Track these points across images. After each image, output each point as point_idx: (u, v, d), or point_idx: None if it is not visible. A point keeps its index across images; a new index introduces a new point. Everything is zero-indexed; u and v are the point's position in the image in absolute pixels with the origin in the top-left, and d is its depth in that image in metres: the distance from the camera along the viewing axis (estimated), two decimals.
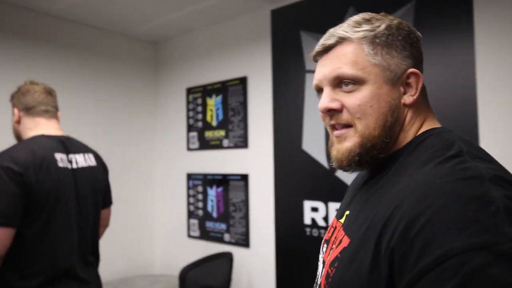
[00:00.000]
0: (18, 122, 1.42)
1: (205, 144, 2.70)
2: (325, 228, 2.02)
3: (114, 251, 2.72)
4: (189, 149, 2.81)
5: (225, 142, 2.56)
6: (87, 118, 2.64)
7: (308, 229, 2.10)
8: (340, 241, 0.67)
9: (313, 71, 2.15)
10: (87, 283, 1.39)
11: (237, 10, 2.44)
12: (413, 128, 0.68)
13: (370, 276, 0.54)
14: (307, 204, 2.10)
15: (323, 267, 0.73)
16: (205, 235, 2.64)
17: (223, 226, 2.54)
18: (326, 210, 2.04)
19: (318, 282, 0.73)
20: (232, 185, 2.50)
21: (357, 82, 0.65)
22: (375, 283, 0.53)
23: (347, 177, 1.93)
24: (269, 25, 2.35)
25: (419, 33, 0.73)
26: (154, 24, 2.69)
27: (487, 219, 0.47)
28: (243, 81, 2.48)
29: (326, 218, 2.03)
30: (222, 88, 2.61)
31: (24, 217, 1.21)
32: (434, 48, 1.71)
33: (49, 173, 1.28)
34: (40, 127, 1.40)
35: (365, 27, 0.67)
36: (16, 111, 1.42)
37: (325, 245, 0.77)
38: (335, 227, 0.77)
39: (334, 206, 2.00)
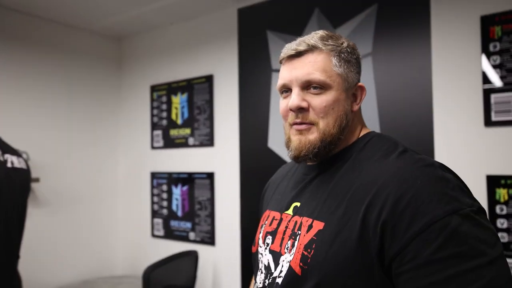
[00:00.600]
0: None
1: (170, 143, 2.66)
2: None
3: (74, 253, 2.62)
4: (153, 147, 2.76)
5: (191, 141, 2.54)
6: (46, 116, 2.53)
7: None
8: (310, 226, 0.74)
9: (279, 71, 2.19)
10: None
11: (204, 8, 2.43)
12: (357, 130, 0.83)
13: (358, 247, 0.65)
14: None
15: (278, 256, 0.79)
16: (170, 234, 2.61)
17: (188, 225, 2.51)
18: None
19: (278, 269, 0.77)
20: (198, 183, 2.49)
21: (323, 87, 0.76)
22: (364, 252, 0.65)
23: None
24: (236, 24, 2.36)
25: None
26: (118, 19, 2.62)
27: (451, 193, 0.63)
28: (209, 79, 2.47)
29: None
30: (187, 86, 2.59)
31: None
32: (394, 51, 1.79)
33: None
34: None
35: (331, 42, 0.79)
36: None
37: (270, 236, 0.84)
38: (281, 218, 0.84)
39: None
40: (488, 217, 1.56)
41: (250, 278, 2.19)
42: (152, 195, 2.74)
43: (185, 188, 2.56)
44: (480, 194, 1.58)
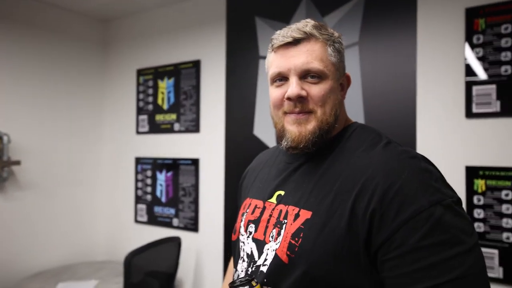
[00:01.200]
0: None
1: (155, 128, 2.64)
2: None
3: (56, 237, 2.60)
4: (138, 132, 2.73)
5: (176, 126, 2.52)
6: (28, 97, 2.47)
7: None
8: (297, 215, 0.75)
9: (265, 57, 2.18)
10: None
11: None
12: (343, 120, 0.84)
13: (346, 235, 0.67)
14: None
15: (262, 244, 0.78)
16: (153, 220, 2.60)
17: (172, 211, 2.51)
18: None
19: (262, 258, 0.77)
20: (182, 169, 2.48)
21: (321, 76, 0.77)
22: (352, 240, 0.67)
23: None
24: (224, 9, 2.33)
25: None
26: (104, 1, 2.56)
27: (435, 184, 0.66)
28: (196, 65, 2.45)
29: None
30: (174, 71, 2.56)
31: None
32: (381, 41, 1.79)
33: None
34: None
35: (325, 31, 0.79)
36: None
37: (253, 224, 0.84)
38: (264, 206, 0.84)
39: None
40: (465, 207, 1.60)
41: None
42: (136, 180, 2.72)
43: (169, 174, 2.54)
44: (459, 184, 1.61)
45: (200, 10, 2.46)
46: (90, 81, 2.87)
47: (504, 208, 1.52)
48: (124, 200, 2.78)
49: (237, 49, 2.28)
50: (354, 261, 0.66)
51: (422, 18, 1.70)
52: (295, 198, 0.78)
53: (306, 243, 0.70)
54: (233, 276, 0.86)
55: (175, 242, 2.24)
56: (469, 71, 1.60)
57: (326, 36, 0.79)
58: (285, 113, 0.79)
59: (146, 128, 2.69)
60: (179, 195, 2.48)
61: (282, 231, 0.75)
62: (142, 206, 2.67)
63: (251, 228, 0.84)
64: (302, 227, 0.72)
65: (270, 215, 0.80)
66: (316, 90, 0.76)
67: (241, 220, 0.89)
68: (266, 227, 0.79)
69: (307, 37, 0.77)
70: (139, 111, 2.74)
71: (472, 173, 1.59)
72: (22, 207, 2.43)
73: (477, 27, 1.58)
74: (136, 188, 2.72)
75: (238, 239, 0.88)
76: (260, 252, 0.78)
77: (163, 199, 2.56)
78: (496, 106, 1.54)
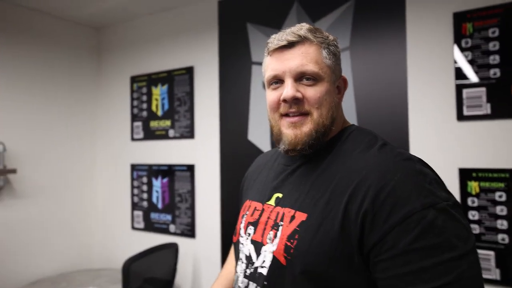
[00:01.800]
0: None
1: (150, 134, 2.64)
2: None
3: (51, 245, 2.59)
4: (133, 139, 2.73)
5: (171, 132, 2.53)
6: (22, 106, 2.47)
7: None
8: (293, 217, 0.76)
9: (259, 63, 2.19)
10: None
11: None
12: (340, 122, 0.85)
13: (340, 237, 0.68)
14: None
15: (260, 246, 0.80)
16: (150, 226, 2.60)
17: (168, 217, 2.51)
18: None
19: (260, 260, 0.79)
20: (178, 175, 2.48)
21: (316, 78, 0.77)
22: (345, 241, 0.67)
23: None
24: (216, 15, 2.34)
25: None
26: (97, 9, 2.57)
27: (428, 186, 0.66)
28: (189, 71, 2.46)
29: None
30: (168, 77, 2.56)
31: None
32: (371, 46, 1.81)
33: None
34: None
35: (319, 34, 0.80)
36: None
37: (252, 227, 0.85)
38: (263, 209, 0.86)
39: None
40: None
41: None
42: (132, 187, 2.72)
43: (165, 180, 2.55)
44: (452, 186, 1.63)
45: (193, 17, 2.47)
46: (84, 89, 2.87)
47: (498, 209, 1.54)
48: (120, 207, 2.78)
49: (229, 55, 2.29)
50: (348, 262, 0.67)
51: (411, 22, 1.72)
52: (292, 200, 0.79)
53: (301, 245, 0.71)
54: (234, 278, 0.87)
55: (173, 249, 2.24)
56: (459, 74, 1.62)
57: (320, 39, 0.79)
58: (281, 115, 0.80)
59: (141, 135, 2.69)
60: (175, 201, 2.48)
61: (279, 233, 0.76)
62: (138, 213, 2.68)
63: (250, 229, 0.85)
64: (298, 229, 0.73)
65: (268, 217, 0.81)
66: (311, 92, 0.77)
67: (241, 222, 0.90)
68: (264, 229, 0.81)
69: (301, 40, 0.78)
70: (134, 117, 2.74)
71: (465, 175, 1.61)
72: (18, 215, 2.42)
73: (465, 31, 1.59)
74: (132, 195, 2.72)
75: (238, 241, 0.89)
76: (258, 254, 0.80)
77: (160, 206, 2.56)
78: (486, 109, 1.56)
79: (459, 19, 1.60)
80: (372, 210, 0.65)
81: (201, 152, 2.40)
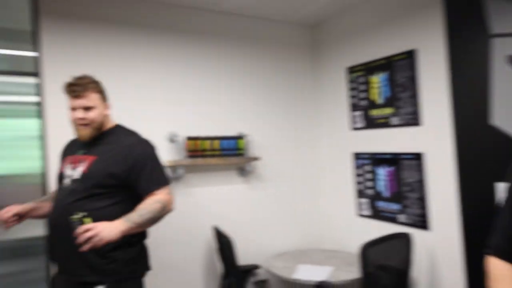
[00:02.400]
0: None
1: (371, 123, 2.66)
2: None
3: (290, 224, 3.01)
4: (353, 128, 2.82)
5: (394, 120, 2.47)
6: (260, 105, 2.92)
7: None
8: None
9: (501, 35, 1.86)
10: None
11: None
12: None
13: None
14: (501, 187, 1.88)
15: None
16: (377, 214, 2.65)
17: (396, 207, 2.49)
18: None
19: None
20: (404, 164, 2.42)
21: None
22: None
23: None
24: None
25: None
26: (312, 8, 2.74)
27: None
28: (410, 55, 2.33)
29: None
30: (386, 64, 2.50)
31: None
32: None
33: None
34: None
35: None
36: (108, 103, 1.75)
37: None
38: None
39: None
40: None
41: (476, 276, 1.98)
42: (356, 175, 2.82)
43: (390, 169, 2.53)
44: None
45: None
46: (304, 86, 3.15)
47: None
48: (344, 194, 2.94)
49: (459, 30, 2.04)
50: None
51: None
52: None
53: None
54: None
55: (405, 239, 2.22)
56: None
57: None
58: None
59: (361, 124, 2.75)
60: (403, 190, 2.44)
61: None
62: (363, 200, 2.76)
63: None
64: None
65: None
66: None
67: None
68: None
69: None
70: (353, 107, 2.81)
71: None
72: (262, 196, 2.91)
73: None
74: (356, 183, 2.82)
75: None
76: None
77: (386, 194, 2.57)
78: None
79: None
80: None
81: (429, 140, 2.26)
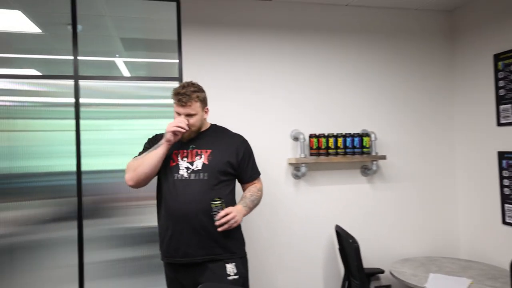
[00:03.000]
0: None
1: None
2: None
3: (417, 227, 2.78)
4: (500, 124, 2.45)
5: None
6: (386, 102, 2.76)
7: None
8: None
9: None
10: None
11: None
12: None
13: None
14: None
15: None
16: None
17: None
18: None
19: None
20: None
21: None
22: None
23: None
24: None
25: None
26: None
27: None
28: None
29: None
30: None
31: None
32: None
33: None
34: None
35: None
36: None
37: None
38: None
39: None
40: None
41: None
42: (501, 177, 2.46)
43: None
44: None
45: None
46: (439, 75, 2.85)
47: None
48: (486, 197, 2.59)
49: None
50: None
51: None
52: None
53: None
54: None
55: None
56: None
57: None
58: None
59: (510, 119, 2.37)
60: None
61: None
62: (511, 207, 2.39)
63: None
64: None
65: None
66: None
67: None
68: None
69: None
70: (500, 100, 2.45)
71: None
72: (387, 197, 2.74)
73: None
74: (502, 186, 2.46)
75: None
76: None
77: None
78: None
79: None
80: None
81: None
